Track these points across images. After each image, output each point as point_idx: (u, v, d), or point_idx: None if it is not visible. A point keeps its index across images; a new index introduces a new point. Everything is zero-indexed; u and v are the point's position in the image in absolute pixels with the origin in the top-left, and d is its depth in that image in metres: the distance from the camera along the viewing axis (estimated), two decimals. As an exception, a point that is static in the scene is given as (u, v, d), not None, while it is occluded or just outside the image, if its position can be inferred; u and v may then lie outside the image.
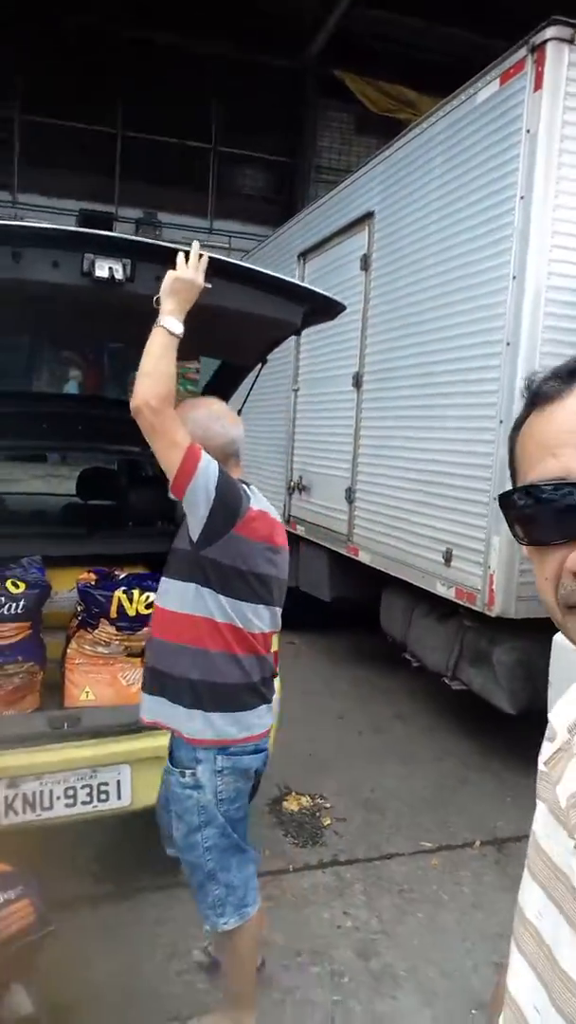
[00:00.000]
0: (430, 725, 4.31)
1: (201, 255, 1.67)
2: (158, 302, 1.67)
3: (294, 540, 4.83)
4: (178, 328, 1.64)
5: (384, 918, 2.63)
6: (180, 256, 1.71)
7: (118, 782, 2.45)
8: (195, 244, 1.68)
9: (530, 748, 0.85)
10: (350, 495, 4.43)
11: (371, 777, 3.62)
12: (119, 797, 2.44)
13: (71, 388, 12.21)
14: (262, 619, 1.81)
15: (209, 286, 1.72)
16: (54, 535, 3.17)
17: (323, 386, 4.87)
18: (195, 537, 1.67)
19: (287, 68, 12.46)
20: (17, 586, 2.58)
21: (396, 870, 2.92)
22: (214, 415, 1.82)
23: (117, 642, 2.71)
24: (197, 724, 1.77)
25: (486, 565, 3.05)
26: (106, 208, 12.93)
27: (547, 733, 0.72)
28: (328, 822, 3.21)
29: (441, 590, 3.44)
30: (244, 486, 1.80)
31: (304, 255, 5.19)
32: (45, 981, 2.15)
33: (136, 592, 2.69)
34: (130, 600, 2.68)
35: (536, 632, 2.95)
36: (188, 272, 1.68)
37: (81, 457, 3.88)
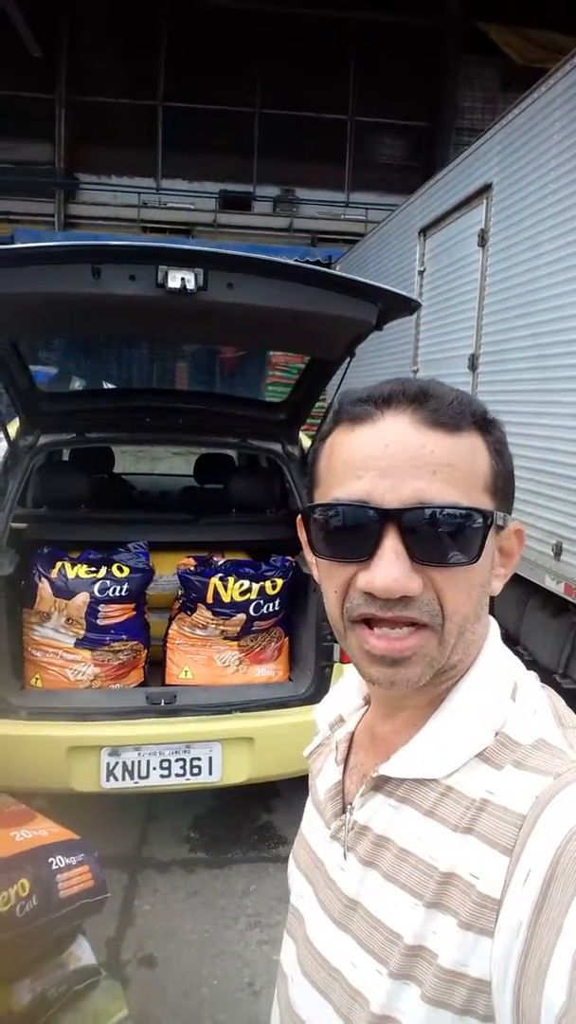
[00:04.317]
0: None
1: None
2: None
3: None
4: None
5: None
6: None
7: (210, 759, 2.59)
8: None
9: None
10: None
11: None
12: (210, 773, 2.58)
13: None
14: None
15: None
16: (162, 521, 3.36)
17: (440, 367, 4.73)
18: None
19: (426, 27, 11.95)
20: (122, 571, 2.77)
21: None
22: None
23: (213, 626, 2.85)
24: None
25: (595, 562, 2.88)
26: (245, 188, 13.14)
27: (314, 728, 0.80)
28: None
29: (550, 584, 3.28)
30: None
31: (424, 231, 5.03)
32: (135, 933, 2.39)
33: (231, 579, 2.81)
34: (225, 587, 2.80)
35: None
36: None
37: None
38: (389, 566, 0.56)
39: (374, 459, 0.58)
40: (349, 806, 0.67)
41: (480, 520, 0.57)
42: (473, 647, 0.63)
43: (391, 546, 0.56)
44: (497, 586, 0.64)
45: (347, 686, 0.77)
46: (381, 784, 0.64)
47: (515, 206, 3.66)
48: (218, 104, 12.54)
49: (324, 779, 0.72)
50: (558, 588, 3.24)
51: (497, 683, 0.62)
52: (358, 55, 12.45)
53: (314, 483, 0.66)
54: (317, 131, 12.95)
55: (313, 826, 0.72)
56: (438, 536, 0.56)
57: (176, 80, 12.48)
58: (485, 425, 0.61)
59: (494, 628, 0.67)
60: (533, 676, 0.65)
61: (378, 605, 0.57)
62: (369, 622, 0.59)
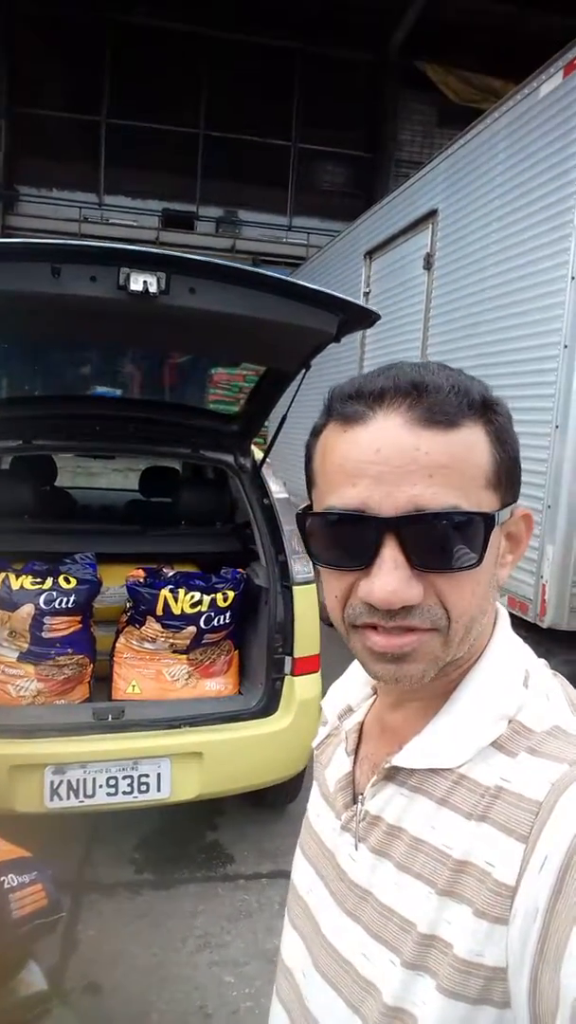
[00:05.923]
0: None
1: None
2: None
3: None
4: None
5: None
6: None
7: (158, 775, 2.52)
8: None
9: None
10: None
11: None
12: (159, 789, 2.51)
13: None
14: None
15: None
16: (109, 532, 3.29)
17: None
18: None
19: (367, 61, 12.35)
20: (69, 582, 2.69)
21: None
22: None
23: (163, 639, 2.80)
24: None
25: (538, 575, 2.97)
26: (188, 208, 13.17)
27: (320, 719, 0.78)
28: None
29: (494, 598, 3.36)
30: None
31: (370, 254, 5.15)
32: (79, 960, 2.28)
33: (182, 591, 2.77)
34: (175, 599, 2.75)
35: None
36: None
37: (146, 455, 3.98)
38: (387, 576, 0.54)
39: (367, 464, 0.55)
40: (360, 796, 0.66)
41: (480, 522, 0.55)
42: (480, 638, 0.62)
43: (389, 555, 0.54)
44: (505, 574, 0.61)
45: (355, 675, 0.76)
46: (393, 774, 0.63)
47: (460, 231, 3.79)
48: (163, 124, 12.58)
49: (333, 770, 0.71)
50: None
51: (509, 670, 0.62)
52: (303, 84, 12.74)
53: (310, 483, 0.64)
54: (261, 155, 13.14)
55: (322, 817, 0.70)
56: (437, 542, 0.54)
57: (120, 97, 12.45)
58: (485, 412, 0.57)
59: (503, 615, 0.66)
60: (543, 663, 0.65)
61: (380, 615, 0.56)
62: (373, 626, 0.58)
